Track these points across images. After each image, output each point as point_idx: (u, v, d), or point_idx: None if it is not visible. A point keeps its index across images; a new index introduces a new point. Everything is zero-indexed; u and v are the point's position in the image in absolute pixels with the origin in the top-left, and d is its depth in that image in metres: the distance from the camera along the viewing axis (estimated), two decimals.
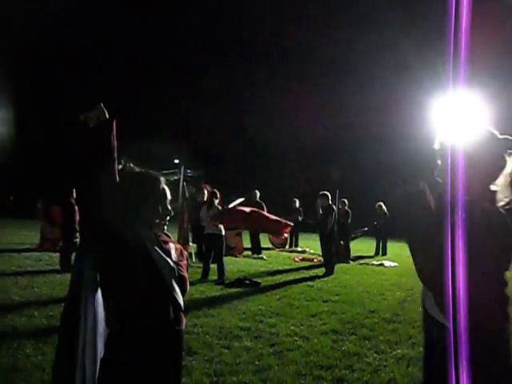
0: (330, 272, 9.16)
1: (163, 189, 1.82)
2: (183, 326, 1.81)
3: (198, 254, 10.72)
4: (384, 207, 13.97)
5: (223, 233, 8.44)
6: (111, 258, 1.63)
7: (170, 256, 1.80)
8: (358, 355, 4.16)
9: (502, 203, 1.74)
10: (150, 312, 1.67)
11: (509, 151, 1.75)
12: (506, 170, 1.75)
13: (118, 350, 1.65)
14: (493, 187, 1.74)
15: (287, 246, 14.66)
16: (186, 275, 1.85)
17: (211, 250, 8.32)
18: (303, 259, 11.84)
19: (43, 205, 11.85)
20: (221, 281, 7.77)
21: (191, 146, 27.58)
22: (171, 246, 1.85)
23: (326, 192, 10.05)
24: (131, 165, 1.83)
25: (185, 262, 1.90)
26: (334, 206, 10.06)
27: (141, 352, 1.65)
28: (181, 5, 34.01)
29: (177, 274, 1.77)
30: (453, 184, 1.46)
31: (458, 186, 1.49)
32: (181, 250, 1.92)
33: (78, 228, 9.40)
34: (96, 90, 31.53)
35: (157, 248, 1.74)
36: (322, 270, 9.48)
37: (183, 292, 1.80)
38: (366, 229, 14.40)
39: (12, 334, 4.35)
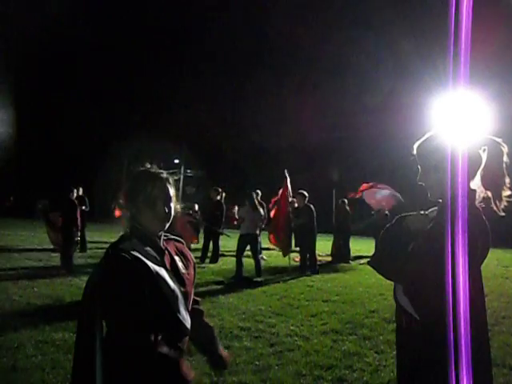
0: (314, 270, 9.21)
1: (168, 189, 1.78)
2: (185, 345, 1.76)
3: (202, 254, 10.68)
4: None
5: (258, 232, 8.99)
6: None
7: (175, 267, 1.75)
8: (358, 355, 4.16)
9: (478, 201, 1.76)
10: (154, 339, 1.64)
11: (483, 147, 1.75)
12: (481, 167, 1.76)
13: (114, 373, 1.59)
14: (472, 185, 1.75)
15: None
16: (190, 290, 1.80)
17: (244, 249, 8.71)
18: None
19: (43, 210, 11.75)
20: (258, 274, 8.38)
21: (191, 146, 27.60)
22: (176, 258, 1.80)
23: (302, 191, 9.95)
24: (148, 165, 1.81)
25: (191, 271, 1.85)
26: (312, 206, 9.94)
27: (141, 374, 1.60)
28: (182, 5, 34.02)
29: (182, 296, 1.71)
30: (453, 184, 1.46)
31: (457, 187, 1.49)
32: (187, 256, 1.87)
33: (78, 227, 9.42)
34: (96, 91, 31.57)
35: (162, 274, 1.67)
36: (322, 270, 9.48)
37: (187, 308, 1.76)
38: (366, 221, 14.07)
39: (12, 334, 4.35)
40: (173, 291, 1.68)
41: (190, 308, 1.79)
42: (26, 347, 3.98)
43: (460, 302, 1.20)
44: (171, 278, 1.70)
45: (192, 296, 1.83)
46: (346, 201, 12.49)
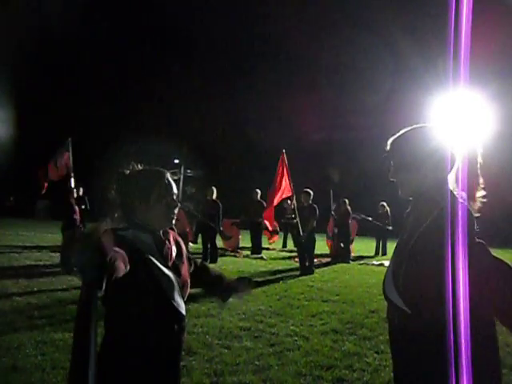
0: (309, 271, 9.16)
1: (168, 180, 1.82)
2: (184, 336, 1.82)
3: (204, 254, 10.64)
4: (387, 207, 13.94)
5: None
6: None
7: (172, 257, 1.79)
8: (358, 355, 4.16)
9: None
10: (152, 326, 1.67)
11: (458, 147, 1.75)
12: (455, 168, 1.76)
13: (114, 361, 1.64)
14: (478, 190, 1.75)
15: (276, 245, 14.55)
16: (186, 279, 1.84)
17: None
18: None
19: (44, 211, 11.74)
20: None
21: (191, 146, 27.59)
22: (173, 248, 1.84)
23: (307, 190, 9.93)
24: (139, 166, 1.85)
25: (185, 260, 1.89)
26: (316, 206, 9.92)
27: (139, 362, 1.65)
28: (182, 5, 34.02)
29: (177, 284, 1.75)
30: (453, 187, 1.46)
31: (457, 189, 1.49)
32: (180, 245, 1.91)
33: (79, 226, 9.41)
34: (96, 90, 31.58)
35: (156, 261, 1.71)
36: (322, 270, 9.48)
37: (184, 298, 1.80)
38: (369, 218, 13.98)
39: (12, 334, 4.35)
40: (168, 278, 1.72)
41: (186, 296, 1.83)
42: (26, 347, 3.97)
43: (460, 301, 1.20)
44: (166, 266, 1.74)
45: (188, 284, 1.86)
46: (346, 201, 12.49)
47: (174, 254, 1.82)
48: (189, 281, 1.86)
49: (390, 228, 13.62)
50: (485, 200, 1.75)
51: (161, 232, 1.80)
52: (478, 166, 1.73)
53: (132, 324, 1.65)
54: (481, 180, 1.74)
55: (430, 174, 1.69)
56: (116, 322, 1.69)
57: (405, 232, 1.77)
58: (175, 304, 1.73)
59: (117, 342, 1.68)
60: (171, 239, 1.86)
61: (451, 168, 1.72)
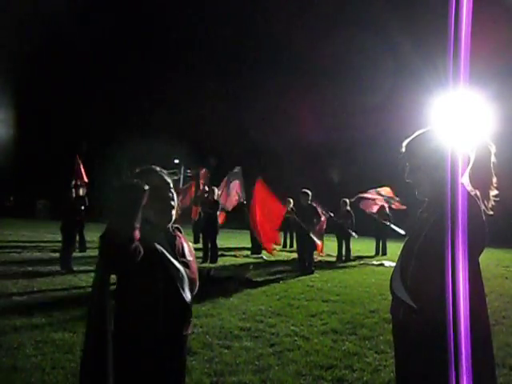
0: (309, 271, 9.14)
1: (161, 177, 1.85)
2: (190, 330, 1.84)
3: (204, 253, 10.60)
4: (386, 208, 13.92)
5: None
6: (126, 266, 1.60)
7: (183, 254, 1.83)
8: (358, 355, 4.16)
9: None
10: (160, 317, 1.69)
11: (471, 146, 1.76)
12: (469, 166, 1.76)
13: (121, 351, 1.65)
14: (492, 189, 1.75)
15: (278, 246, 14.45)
16: (195, 277, 1.87)
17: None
18: None
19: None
20: None
21: (191, 146, 27.59)
22: (184, 244, 1.88)
23: (305, 190, 9.91)
24: (129, 173, 1.91)
25: (194, 261, 1.92)
26: (314, 204, 9.90)
27: (144, 355, 1.66)
28: (182, 6, 34.04)
29: (187, 277, 1.78)
30: (453, 186, 1.46)
31: (457, 188, 1.49)
32: (190, 248, 1.94)
33: (77, 228, 9.41)
34: (96, 90, 31.59)
35: (167, 254, 1.74)
36: (322, 270, 9.47)
37: (192, 293, 1.83)
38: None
39: (12, 334, 4.35)
40: (178, 271, 1.75)
41: (195, 292, 1.85)
42: (26, 347, 3.97)
43: (460, 297, 1.20)
44: (177, 259, 1.78)
45: (197, 283, 1.88)
46: (347, 201, 12.48)
47: (185, 249, 1.86)
48: (197, 279, 1.88)
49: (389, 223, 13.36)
50: (498, 199, 1.75)
51: (171, 229, 1.84)
52: (492, 165, 1.74)
53: (141, 316, 1.67)
54: (494, 179, 1.74)
55: (445, 174, 1.69)
56: (125, 314, 1.71)
57: (416, 230, 1.78)
58: (184, 296, 1.75)
59: (125, 336, 1.69)
60: (182, 236, 1.90)
61: (466, 168, 1.73)
